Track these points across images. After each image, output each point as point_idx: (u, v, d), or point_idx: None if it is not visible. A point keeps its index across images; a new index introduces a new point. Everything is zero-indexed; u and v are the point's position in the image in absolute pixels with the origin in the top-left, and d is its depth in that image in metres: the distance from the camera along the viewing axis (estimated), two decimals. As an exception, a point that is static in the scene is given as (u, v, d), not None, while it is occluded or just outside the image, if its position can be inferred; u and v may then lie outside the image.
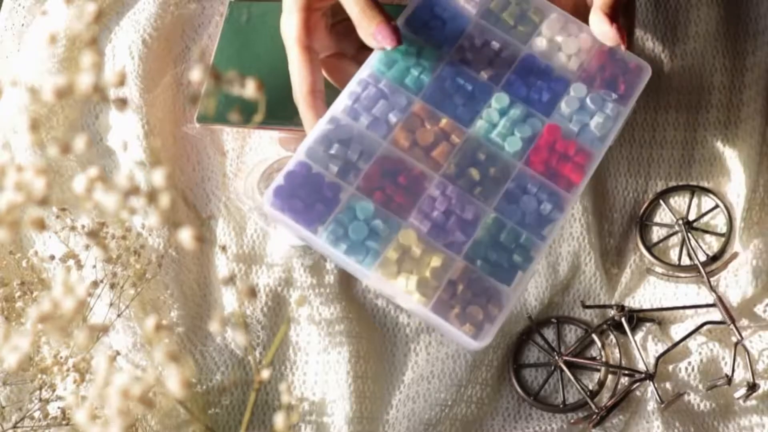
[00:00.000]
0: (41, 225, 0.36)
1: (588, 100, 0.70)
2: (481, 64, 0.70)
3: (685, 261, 0.76)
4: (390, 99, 0.68)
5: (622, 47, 0.69)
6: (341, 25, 0.71)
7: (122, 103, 0.35)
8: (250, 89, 0.37)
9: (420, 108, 0.68)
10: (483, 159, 0.67)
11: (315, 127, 0.66)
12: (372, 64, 0.69)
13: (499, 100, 0.69)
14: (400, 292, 0.63)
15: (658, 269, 0.76)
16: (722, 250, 0.75)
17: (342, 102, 0.68)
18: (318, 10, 0.69)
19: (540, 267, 0.76)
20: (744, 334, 0.72)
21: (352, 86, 0.68)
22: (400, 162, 0.67)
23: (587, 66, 0.71)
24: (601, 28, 0.68)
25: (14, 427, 0.67)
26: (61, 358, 0.65)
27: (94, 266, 0.70)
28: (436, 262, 0.64)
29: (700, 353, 0.73)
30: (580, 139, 0.69)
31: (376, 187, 0.66)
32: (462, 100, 0.69)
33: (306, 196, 0.65)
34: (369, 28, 0.67)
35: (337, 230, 0.64)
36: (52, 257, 0.71)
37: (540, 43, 0.71)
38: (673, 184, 0.78)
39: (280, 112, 0.75)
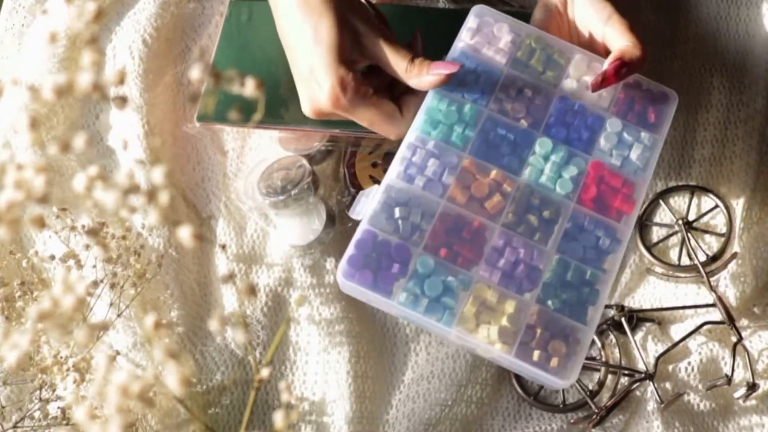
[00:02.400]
0: (41, 223, 0.36)
1: (625, 134, 0.72)
2: (519, 112, 0.73)
3: (685, 261, 0.76)
4: (441, 158, 0.71)
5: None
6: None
7: (122, 101, 0.35)
8: (249, 88, 0.37)
9: (469, 163, 0.71)
10: (537, 203, 0.70)
11: (373, 197, 0.68)
12: (418, 126, 0.72)
13: (542, 144, 0.72)
14: (483, 343, 0.65)
15: (658, 269, 0.76)
16: (722, 250, 0.75)
17: (395, 168, 0.70)
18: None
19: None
20: (744, 334, 0.72)
21: (402, 152, 0.71)
22: (460, 217, 0.69)
23: (617, 100, 0.73)
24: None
25: (14, 426, 0.67)
26: (61, 357, 0.65)
27: (94, 266, 0.70)
28: (510, 308, 0.66)
29: (699, 353, 0.73)
30: (623, 172, 0.71)
31: (442, 244, 0.68)
32: (508, 149, 0.72)
33: (376, 263, 0.67)
34: (422, 69, 0.69)
35: (413, 291, 0.66)
36: (52, 257, 0.71)
37: (570, 84, 0.74)
38: (673, 184, 0.78)
39: (279, 111, 0.75)
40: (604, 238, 0.69)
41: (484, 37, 0.75)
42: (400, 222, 0.68)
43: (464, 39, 0.74)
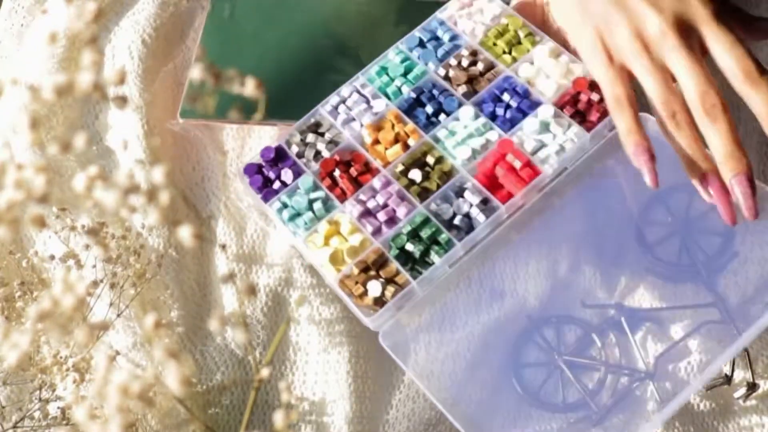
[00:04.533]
0: (41, 223, 0.36)
1: (554, 122, 0.73)
2: (459, 80, 0.75)
3: (685, 260, 0.76)
4: (369, 103, 0.76)
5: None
6: None
7: (122, 101, 0.35)
8: (247, 86, 0.37)
9: (392, 114, 0.75)
10: (431, 162, 0.73)
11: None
12: (366, 71, 0.77)
13: (464, 112, 0.74)
14: (316, 261, 0.70)
15: (658, 269, 0.76)
16: (722, 250, 0.75)
17: (327, 102, 0.76)
18: None
19: (540, 266, 0.76)
20: (744, 333, 0.72)
21: (342, 88, 0.77)
22: (356, 155, 0.74)
23: (565, 92, 0.74)
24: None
25: (14, 426, 0.67)
26: (61, 357, 0.65)
27: (94, 266, 0.70)
28: (356, 242, 0.70)
29: (699, 353, 0.73)
30: (533, 157, 0.72)
31: (330, 172, 0.73)
32: (432, 109, 0.75)
33: (272, 172, 0.74)
34: (628, 146, 0.66)
35: (284, 201, 0.73)
36: (52, 257, 0.71)
37: (527, 67, 0.75)
38: (673, 184, 0.78)
39: (270, 107, 0.75)
40: (476, 210, 0.70)
41: (470, 11, 0.79)
42: (306, 146, 0.75)
43: (450, 9, 0.79)
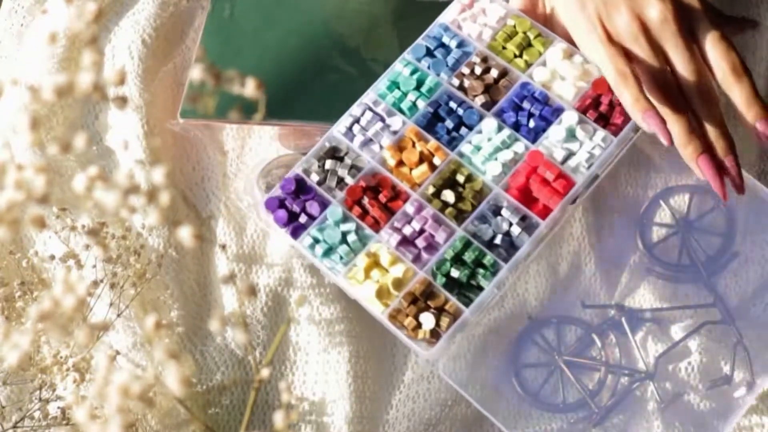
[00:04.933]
0: (41, 223, 0.36)
1: (579, 129, 0.71)
2: (476, 90, 0.73)
3: (685, 261, 0.76)
4: (386, 122, 0.73)
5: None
6: None
7: (122, 101, 0.35)
8: (248, 87, 0.37)
9: (411, 131, 0.72)
10: (462, 180, 0.70)
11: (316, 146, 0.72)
12: (376, 87, 0.74)
13: (487, 125, 0.72)
14: (362, 298, 0.67)
15: (658, 269, 0.76)
16: (722, 250, 0.75)
17: (341, 123, 0.73)
18: None
19: (540, 266, 0.76)
20: (744, 333, 0.72)
21: (353, 109, 0.73)
22: (383, 180, 0.71)
23: (584, 96, 0.72)
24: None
25: (14, 426, 0.67)
26: (61, 357, 0.65)
27: (94, 266, 0.70)
28: (398, 273, 0.67)
29: (699, 353, 0.73)
30: (563, 166, 0.70)
31: (357, 200, 0.70)
32: (452, 124, 0.72)
33: (295, 205, 0.70)
34: (636, 113, 0.67)
35: (315, 236, 0.69)
36: (53, 257, 0.71)
37: (541, 72, 0.73)
38: (673, 184, 0.78)
39: (270, 107, 0.75)
40: (516, 228, 0.68)
41: (473, 13, 0.76)
42: (328, 173, 0.71)
43: (452, 12, 0.76)
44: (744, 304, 0.74)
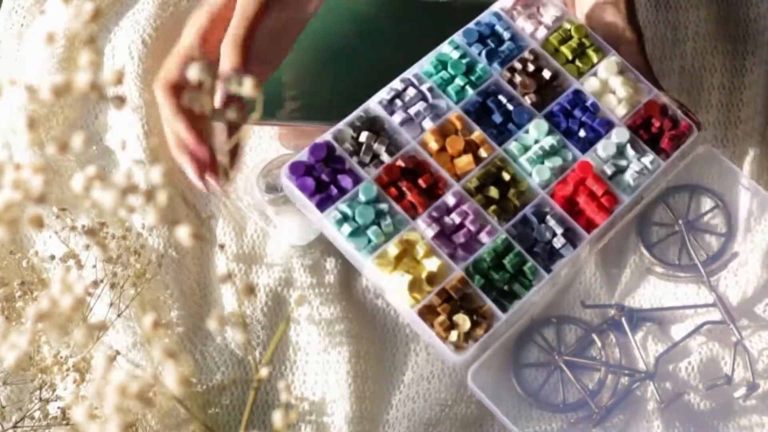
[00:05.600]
0: (40, 223, 0.36)
1: (629, 147, 0.69)
2: (528, 88, 0.70)
3: (685, 261, 0.76)
4: (429, 102, 0.69)
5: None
6: None
7: (120, 101, 0.35)
8: (245, 86, 0.37)
9: (456, 117, 0.68)
10: (507, 180, 0.67)
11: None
12: (421, 64, 0.70)
13: (537, 126, 0.69)
14: (391, 288, 0.63)
15: (658, 269, 0.76)
16: (722, 250, 0.75)
17: (380, 95, 0.68)
18: None
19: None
20: (744, 333, 0.72)
21: (395, 82, 0.69)
22: (423, 164, 0.67)
23: (636, 114, 0.71)
24: None
25: (14, 426, 0.67)
26: (61, 357, 0.65)
27: (95, 266, 0.70)
28: (433, 267, 0.63)
29: (699, 353, 0.73)
30: (611, 183, 0.68)
31: (394, 182, 0.65)
32: (500, 118, 0.69)
33: (323, 174, 0.65)
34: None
35: (344, 212, 0.64)
36: (53, 257, 0.71)
37: (593, 82, 0.71)
38: (673, 184, 0.78)
39: (269, 108, 0.75)
40: (560, 239, 0.66)
41: (527, 7, 0.73)
42: (363, 147, 0.66)
43: (506, 1, 0.73)
44: (744, 304, 0.74)
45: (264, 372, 0.44)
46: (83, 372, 0.65)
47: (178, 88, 0.66)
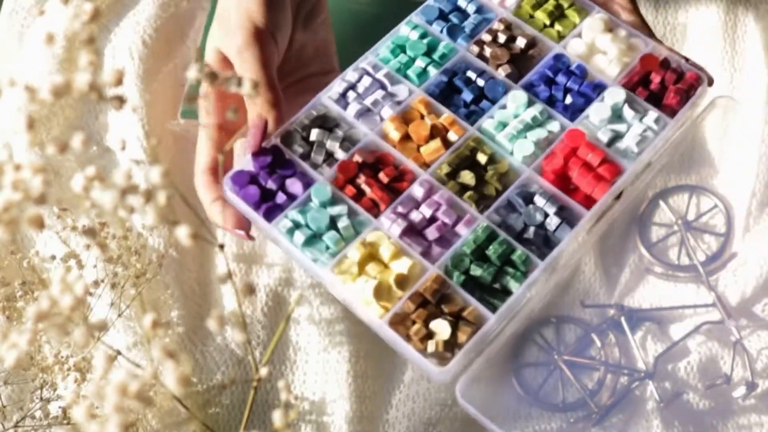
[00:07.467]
0: (40, 224, 0.36)
1: (626, 107, 0.61)
2: (500, 59, 0.63)
3: (685, 261, 0.76)
4: (388, 90, 0.63)
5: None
6: None
7: (120, 101, 0.35)
8: (245, 86, 0.37)
9: (420, 101, 0.62)
10: (484, 161, 0.60)
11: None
12: (376, 50, 0.64)
13: (515, 98, 0.62)
14: (356, 299, 0.56)
15: (658, 269, 0.76)
16: (721, 250, 0.75)
17: (332, 89, 0.62)
18: None
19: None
20: (743, 333, 0.72)
21: (348, 73, 0.63)
22: (383, 156, 0.60)
23: (631, 71, 0.63)
24: None
25: (15, 426, 0.68)
26: (62, 357, 0.65)
27: (95, 266, 0.70)
28: (403, 268, 0.56)
29: (699, 353, 0.73)
30: (609, 150, 0.60)
31: (351, 180, 0.59)
32: (471, 95, 0.62)
33: (270, 182, 0.60)
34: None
35: (295, 219, 0.59)
36: (53, 257, 0.71)
37: (577, 44, 0.64)
38: (672, 184, 0.78)
39: None
40: (554, 219, 0.58)
41: None
42: (315, 146, 0.60)
43: None
44: (743, 304, 0.74)
45: (264, 372, 0.44)
46: (84, 371, 0.65)
47: (214, 170, 0.63)
